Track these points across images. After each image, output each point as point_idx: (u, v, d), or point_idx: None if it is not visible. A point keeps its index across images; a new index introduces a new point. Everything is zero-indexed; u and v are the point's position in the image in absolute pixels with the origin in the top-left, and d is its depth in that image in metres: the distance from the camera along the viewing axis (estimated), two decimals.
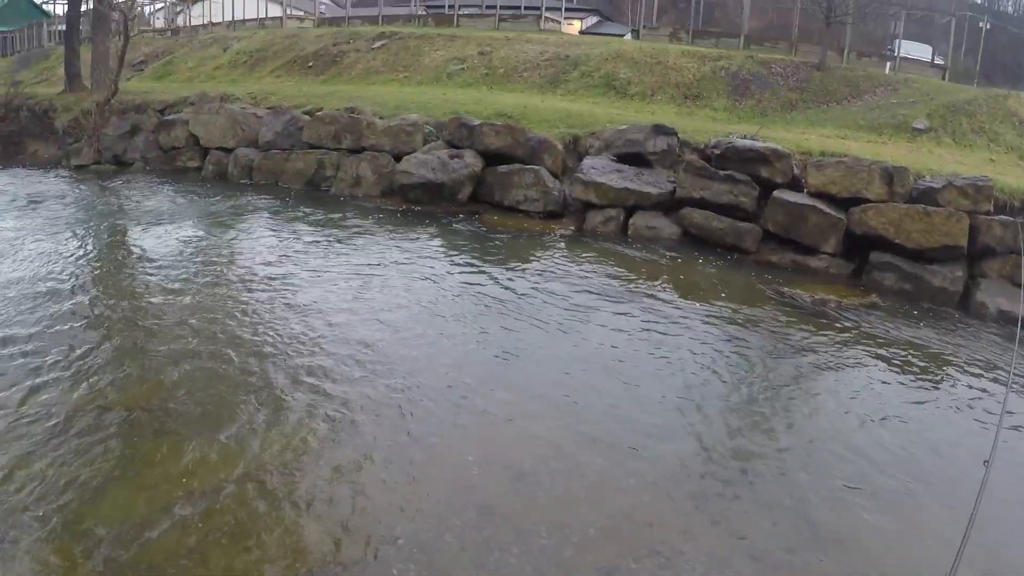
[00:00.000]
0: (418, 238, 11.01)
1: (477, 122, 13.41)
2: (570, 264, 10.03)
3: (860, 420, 6.53)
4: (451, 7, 31.64)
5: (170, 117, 18.33)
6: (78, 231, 11.67)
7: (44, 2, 48.54)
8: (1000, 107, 19.69)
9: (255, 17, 36.24)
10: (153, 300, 8.24)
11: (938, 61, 29.97)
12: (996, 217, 11.33)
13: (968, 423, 6.90)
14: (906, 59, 27.67)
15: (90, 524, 4.33)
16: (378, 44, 24.72)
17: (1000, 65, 45.24)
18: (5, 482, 4.70)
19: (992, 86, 25.88)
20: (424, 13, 33.40)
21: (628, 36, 30.53)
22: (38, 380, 6.06)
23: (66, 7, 27.13)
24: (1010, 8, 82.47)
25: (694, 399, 6.49)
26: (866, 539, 4.80)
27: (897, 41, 29.73)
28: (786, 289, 9.99)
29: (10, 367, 6.29)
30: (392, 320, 7.64)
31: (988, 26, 34.41)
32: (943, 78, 26.16)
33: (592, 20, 37.96)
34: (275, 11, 36.61)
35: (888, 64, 25.99)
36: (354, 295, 8.39)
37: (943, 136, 17.72)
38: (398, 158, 13.89)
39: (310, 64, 25.04)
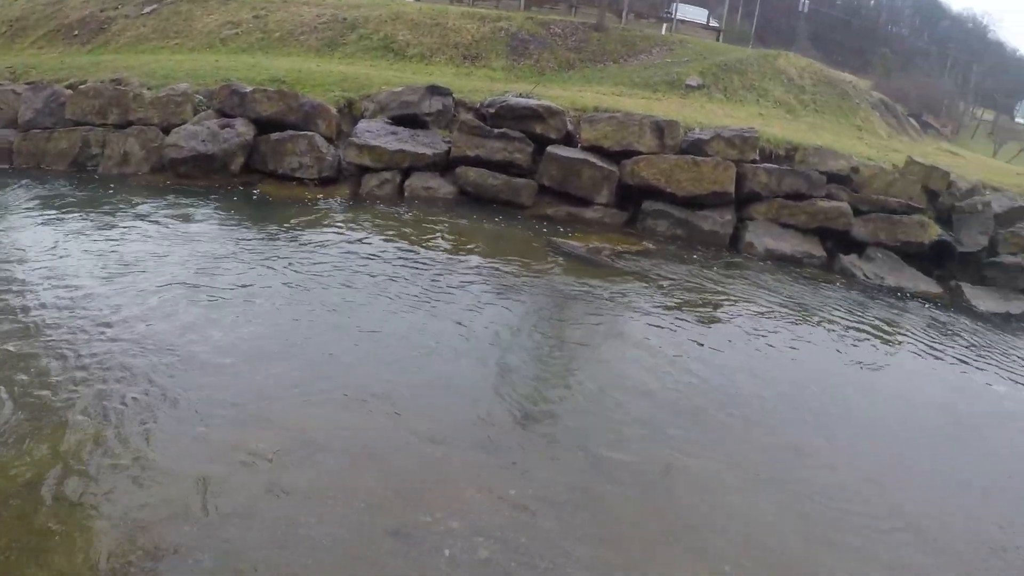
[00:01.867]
0: (186, 214, 10.33)
1: (248, 89, 12.82)
2: (345, 229, 9.71)
3: (638, 359, 6.75)
4: None
5: None
6: None
7: None
8: (770, 66, 20.75)
9: None
10: None
11: (713, 24, 31.29)
12: (761, 165, 11.99)
13: (746, 350, 7.39)
14: (683, 21, 28.79)
15: None
16: (148, 9, 23.44)
17: (774, 28, 47.81)
18: None
19: (766, 48, 27.25)
20: None
21: None
22: None
23: None
24: None
25: (477, 352, 6.48)
26: (651, 472, 4.95)
27: (674, 4, 30.77)
28: (562, 240, 10.13)
29: None
30: (158, 303, 7.16)
31: None
32: (717, 39, 27.35)
33: None
34: None
35: (665, 26, 26.93)
36: (119, 283, 7.74)
37: (715, 93, 18.48)
38: (167, 131, 13.17)
39: (75, 33, 23.48)
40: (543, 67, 18.67)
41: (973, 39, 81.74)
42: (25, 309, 6.57)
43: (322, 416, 5.20)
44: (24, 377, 5.35)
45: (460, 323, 7.06)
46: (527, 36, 19.75)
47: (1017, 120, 58.48)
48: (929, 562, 4.56)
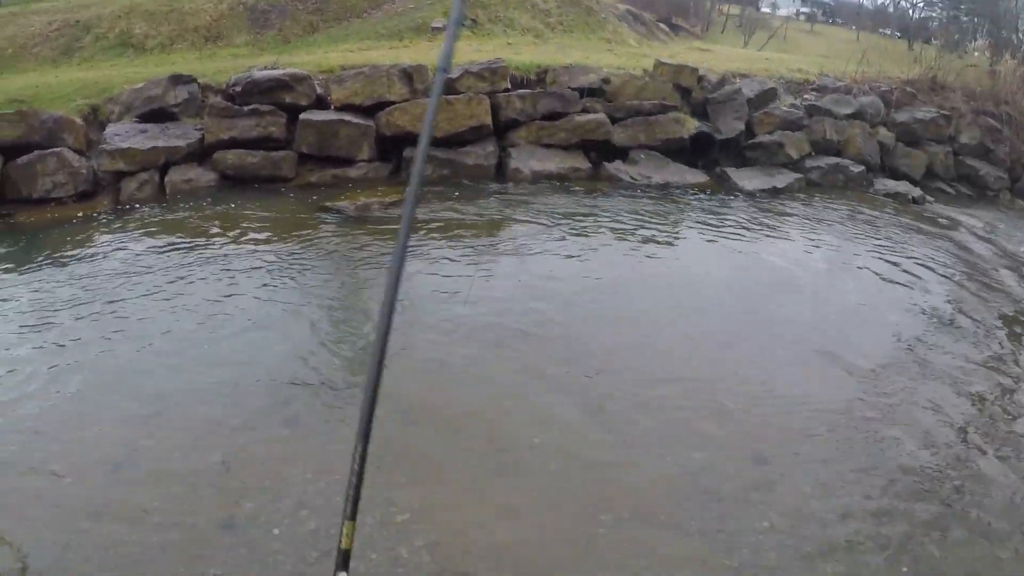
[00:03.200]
0: None
1: None
2: (109, 241, 9.44)
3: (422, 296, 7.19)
4: None
5: None
6: None
7: None
8: None
9: None
10: None
11: None
12: (514, 92, 12.51)
13: (527, 268, 7.98)
14: None
15: None
16: None
17: None
18: None
19: None
20: None
21: None
22: None
23: None
24: None
25: (264, 328, 6.70)
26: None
27: None
28: (329, 203, 10.30)
29: None
30: None
31: None
32: None
33: None
34: None
35: None
36: None
37: (462, 30, 18.83)
38: None
39: None
40: (287, 35, 18.59)
41: None
42: None
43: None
44: None
45: (234, 306, 7.19)
46: (267, 7, 19.54)
47: (763, 10, 61.46)
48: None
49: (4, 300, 7.82)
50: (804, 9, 67.73)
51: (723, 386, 5.82)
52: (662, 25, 30.17)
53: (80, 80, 14.35)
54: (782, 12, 62.82)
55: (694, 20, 45.73)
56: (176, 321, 6.94)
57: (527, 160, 11.97)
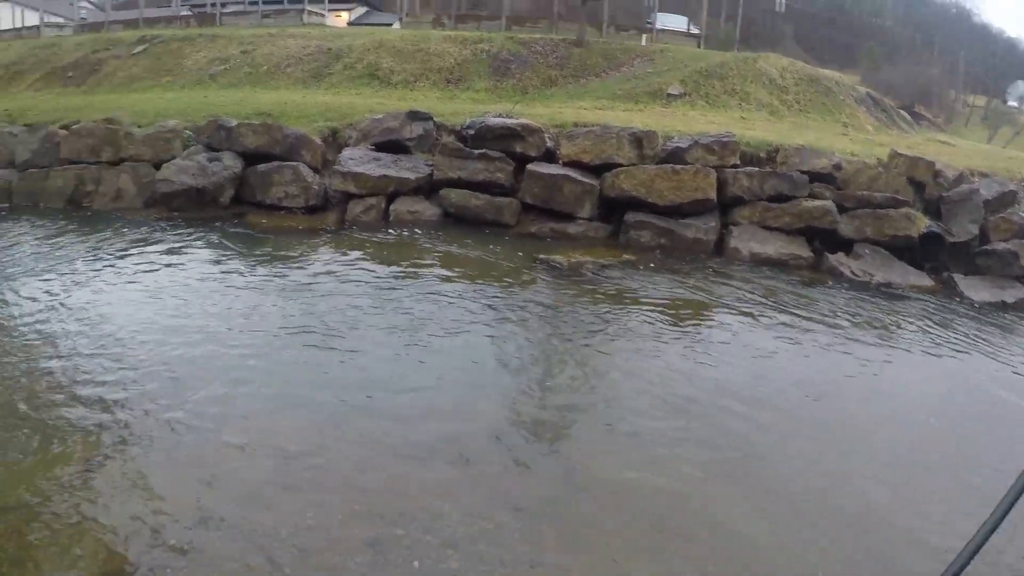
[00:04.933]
0: (178, 246, 10.64)
1: (234, 123, 13.12)
2: (333, 256, 9.93)
3: (624, 375, 6.85)
4: (213, 5, 30.92)
5: None
6: None
7: None
8: (751, 69, 20.97)
9: (10, 27, 34.34)
10: None
11: (694, 30, 31.55)
12: (742, 169, 12.18)
13: (733, 360, 7.48)
14: (663, 30, 29.05)
15: None
16: (139, 49, 23.82)
17: (757, 31, 48.04)
18: None
19: (751, 51, 27.47)
20: (187, 13, 32.51)
21: (397, 25, 30.69)
22: None
23: None
24: None
25: (460, 371, 6.65)
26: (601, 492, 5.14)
27: (654, 14, 31.05)
28: (545, 256, 10.28)
29: None
30: (160, 332, 7.42)
31: None
32: (699, 46, 27.60)
33: (360, 11, 37.85)
34: (32, 19, 34.74)
35: (645, 36, 27.21)
36: (106, 311, 8.06)
37: (697, 100, 18.74)
38: (158, 166, 13.51)
39: (70, 74, 23.88)
40: (526, 86, 18.97)
41: (958, 25, 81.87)
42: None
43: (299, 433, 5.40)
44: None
45: (444, 344, 7.20)
46: (508, 56, 20.06)
47: (1010, 103, 58.30)
48: None
49: (224, 285, 8.50)
50: None
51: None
52: (903, 112, 29.06)
53: (325, 103, 15.07)
54: None
55: (937, 110, 43.90)
56: (380, 345, 7.07)
57: (747, 241, 11.60)
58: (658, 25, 29.35)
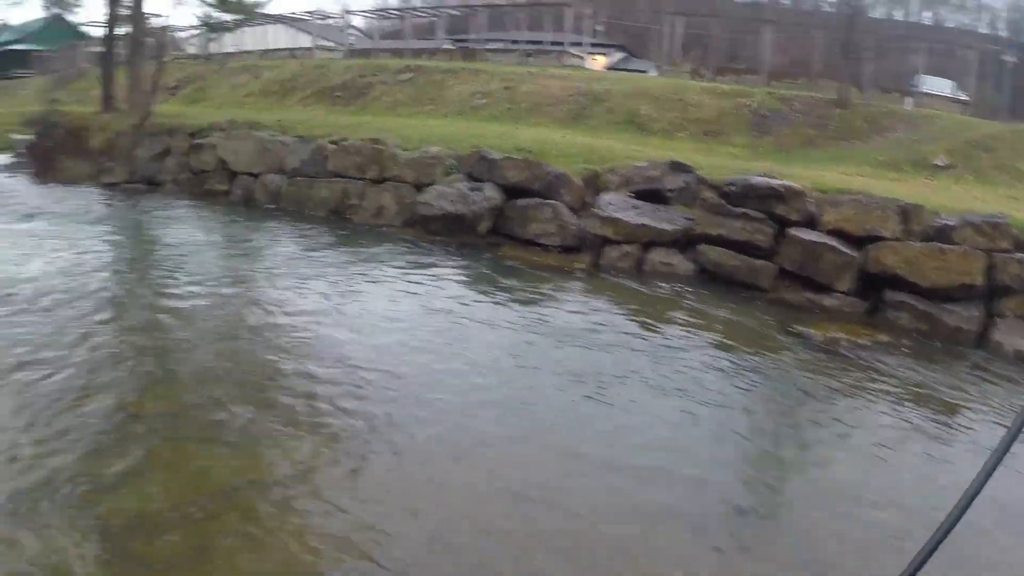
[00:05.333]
0: (438, 269, 11.27)
1: (497, 156, 13.60)
2: (585, 300, 10.23)
3: (872, 466, 6.55)
4: (476, 41, 32.10)
5: (200, 141, 18.85)
6: (104, 247, 12.22)
7: (81, 24, 49.47)
8: (1023, 142, 19.77)
9: (286, 47, 36.93)
10: (175, 320, 8.68)
11: (961, 96, 30.04)
12: (1014, 255, 11.36)
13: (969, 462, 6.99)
14: (928, 94, 27.82)
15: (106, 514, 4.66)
16: (404, 77, 25.11)
17: None
18: (32, 468, 5.07)
19: (1018, 120, 25.89)
20: (450, 47, 33.91)
21: (653, 72, 30.84)
22: (69, 383, 6.48)
23: (104, 30, 27.85)
24: None
25: (701, 435, 6.61)
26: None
27: (919, 76, 29.81)
28: (799, 327, 10.01)
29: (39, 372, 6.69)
30: (409, 350, 7.83)
31: (1013, 59, 34.28)
32: (966, 113, 26.24)
33: (618, 56, 38.39)
34: (305, 42, 37.26)
35: (909, 99, 26.14)
36: (375, 324, 8.64)
37: (964, 173, 17.81)
38: (419, 189, 14.15)
39: (338, 95, 25.49)
40: (784, 144, 18.61)
41: None
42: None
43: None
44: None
45: (685, 404, 7.20)
46: (767, 112, 19.77)
47: None
48: None
49: (483, 316, 9.01)
50: None
51: None
52: None
53: (584, 145, 15.34)
54: None
55: None
56: (626, 399, 7.17)
57: (1013, 336, 10.71)
58: (923, 88, 28.13)
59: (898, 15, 53.74)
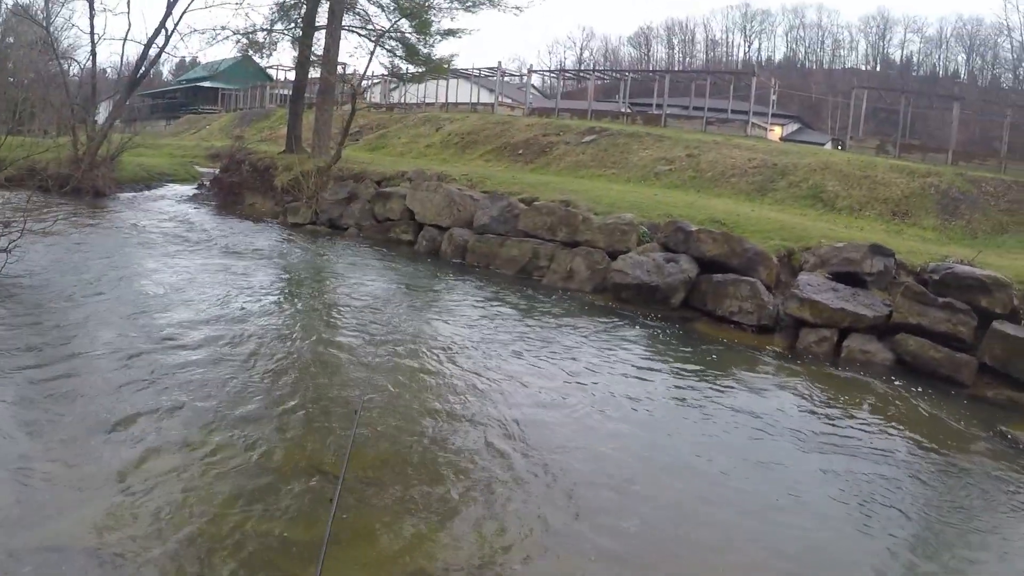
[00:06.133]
0: (631, 341, 11.44)
1: (693, 228, 13.80)
2: (781, 384, 10.23)
3: None
4: (659, 107, 32.52)
5: (387, 189, 19.68)
6: (287, 287, 13.26)
7: (267, 67, 52.69)
8: None
9: (467, 101, 38.26)
10: (354, 371, 9.13)
11: None
12: None
13: None
14: None
15: None
16: (588, 139, 25.76)
17: None
18: (213, 530, 5.35)
19: None
20: (630, 111, 34.47)
21: (828, 145, 30.63)
22: (245, 436, 6.91)
23: (294, 74, 29.52)
24: None
25: (897, 544, 6.48)
26: None
27: None
28: (1004, 428, 9.67)
29: (218, 417, 7.26)
30: (603, 427, 8.13)
31: None
32: None
33: (793, 127, 38.30)
34: (487, 98, 38.59)
35: None
36: (562, 395, 8.91)
37: None
38: (612, 256, 14.43)
39: (520, 152, 26.31)
40: (975, 228, 18.25)
41: None
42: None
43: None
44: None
45: (855, 497, 7.15)
46: (958, 194, 19.43)
47: None
48: None
49: (678, 397, 8.95)
50: None
51: None
52: None
53: (775, 220, 15.45)
54: None
55: None
56: (803, 486, 7.28)
57: None
58: None
59: None
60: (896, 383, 10.88)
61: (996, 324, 11.25)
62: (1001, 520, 7.34)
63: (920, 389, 10.75)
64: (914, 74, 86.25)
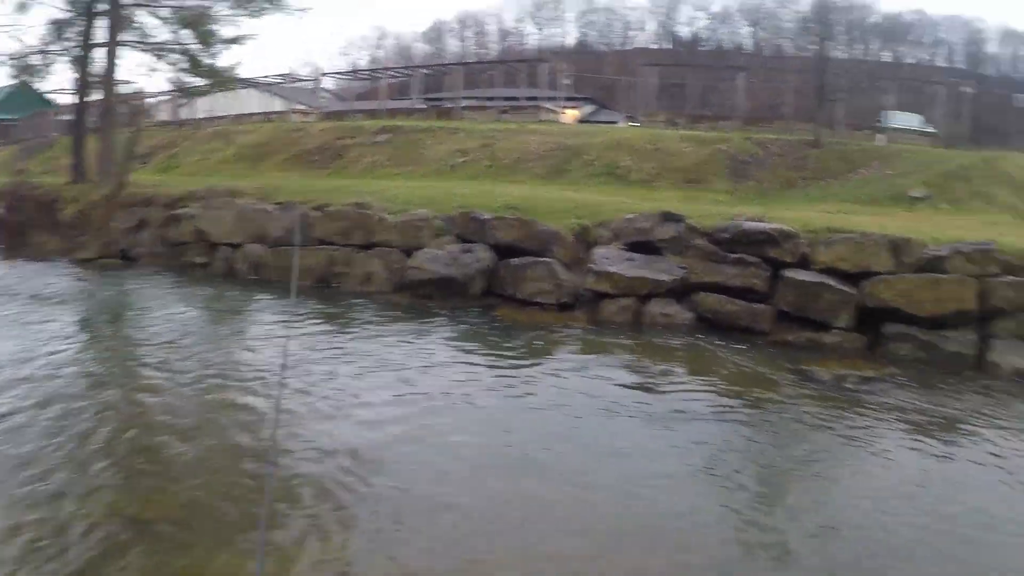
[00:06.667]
0: (432, 335, 11.01)
1: (487, 216, 13.57)
2: (586, 356, 10.17)
3: (885, 494, 6.57)
4: (453, 100, 32.33)
5: (178, 212, 18.29)
6: (76, 328, 12.00)
7: (49, 92, 48.93)
8: (993, 169, 20.20)
9: (259, 111, 37.02)
10: (156, 403, 8.24)
11: (928, 129, 30.67)
12: (1004, 278, 11.55)
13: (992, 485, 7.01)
14: (897, 129, 28.40)
15: None
16: (381, 138, 25.22)
17: (987, 127, 46.54)
18: None
19: (981, 148, 26.49)
20: (425, 107, 34.14)
21: (622, 123, 31.22)
22: (46, 487, 5.98)
23: (74, 98, 27.53)
24: (992, 71, 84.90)
25: (712, 481, 6.59)
26: None
27: (887, 113, 30.42)
28: (804, 367, 10.10)
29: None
30: (417, 425, 7.62)
31: (973, 90, 35.11)
32: (934, 144, 26.76)
33: (588, 108, 38.92)
34: (280, 106, 37.39)
35: (881, 136, 26.60)
36: (371, 399, 8.35)
37: (940, 202, 18.11)
38: (408, 253, 14.01)
39: (315, 158, 25.52)
40: (764, 188, 18.86)
41: None
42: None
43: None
44: None
45: (695, 456, 7.14)
46: (746, 157, 20.05)
47: None
48: None
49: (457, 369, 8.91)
50: None
51: None
52: None
53: (571, 200, 15.40)
54: None
55: None
56: (623, 443, 7.20)
57: (1009, 355, 10.91)
58: (891, 124, 28.73)
59: (862, 54, 54.93)
60: (700, 340, 11.13)
61: (787, 272, 11.69)
62: (814, 450, 7.64)
63: (724, 342, 11.04)
64: (702, 49, 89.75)
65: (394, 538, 5.36)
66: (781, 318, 11.56)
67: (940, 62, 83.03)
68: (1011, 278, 11.61)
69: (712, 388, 9.11)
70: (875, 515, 6.07)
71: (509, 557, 5.23)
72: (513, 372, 9.47)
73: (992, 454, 7.70)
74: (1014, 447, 7.87)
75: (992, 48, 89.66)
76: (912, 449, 7.69)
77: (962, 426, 8.53)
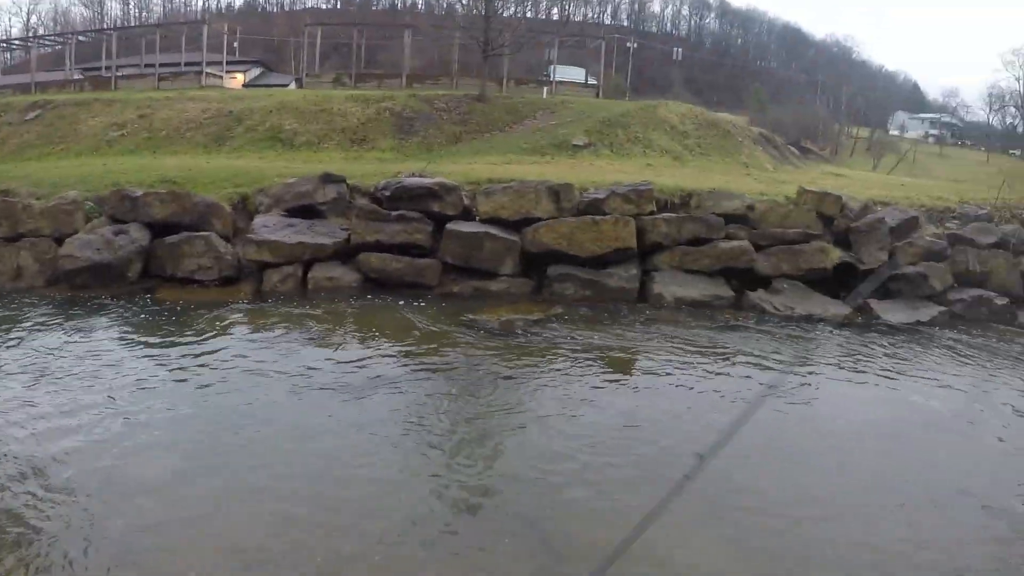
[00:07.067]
0: (84, 327, 9.90)
1: (139, 192, 12.59)
2: (249, 331, 9.57)
3: (556, 429, 6.76)
4: (108, 69, 30.28)
5: None
6: None
7: None
8: (651, 116, 21.50)
9: None
10: None
11: (591, 81, 32.28)
12: (660, 215, 12.32)
13: (659, 402, 7.53)
14: (562, 82, 29.67)
15: None
16: (31, 115, 23.04)
17: (648, 79, 49.95)
18: None
19: (643, 98, 28.28)
20: (80, 77, 31.73)
21: (292, 85, 30.56)
22: None
23: None
24: (654, 27, 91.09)
25: (391, 437, 6.48)
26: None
27: (552, 67, 31.70)
28: (472, 316, 10.15)
29: None
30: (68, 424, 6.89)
31: (635, 45, 37.31)
32: (596, 96, 28.19)
33: (256, 72, 37.72)
34: None
35: (545, 89, 27.64)
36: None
37: (602, 149, 19.04)
38: (60, 241, 12.87)
39: None
40: (431, 143, 19.01)
41: (839, 62, 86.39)
42: None
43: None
44: None
45: (372, 415, 6.99)
46: (412, 114, 20.11)
47: (892, 132, 61.39)
48: None
49: (128, 365, 8.11)
50: (933, 131, 68.13)
51: None
52: (792, 148, 30.03)
53: (231, 168, 14.77)
54: (910, 135, 63.19)
55: (823, 143, 45.88)
56: (297, 417, 6.95)
57: (669, 285, 11.71)
58: (556, 78, 29.93)
59: (529, 12, 56.82)
60: (368, 300, 10.99)
61: (450, 225, 11.73)
62: (491, 400, 7.60)
63: (391, 300, 10.95)
64: (374, 8, 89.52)
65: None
66: (448, 271, 11.58)
67: (607, 20, 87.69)
68: (668, 215, 12.41)
69: (378, 347, 8.92)
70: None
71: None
72: (181, 359, 8.44)
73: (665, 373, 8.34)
74: (664, 362, 8.56)
75: (655, 7, 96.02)
76: (579, 382, 8.02)
77: (620, 353, 9.07)
